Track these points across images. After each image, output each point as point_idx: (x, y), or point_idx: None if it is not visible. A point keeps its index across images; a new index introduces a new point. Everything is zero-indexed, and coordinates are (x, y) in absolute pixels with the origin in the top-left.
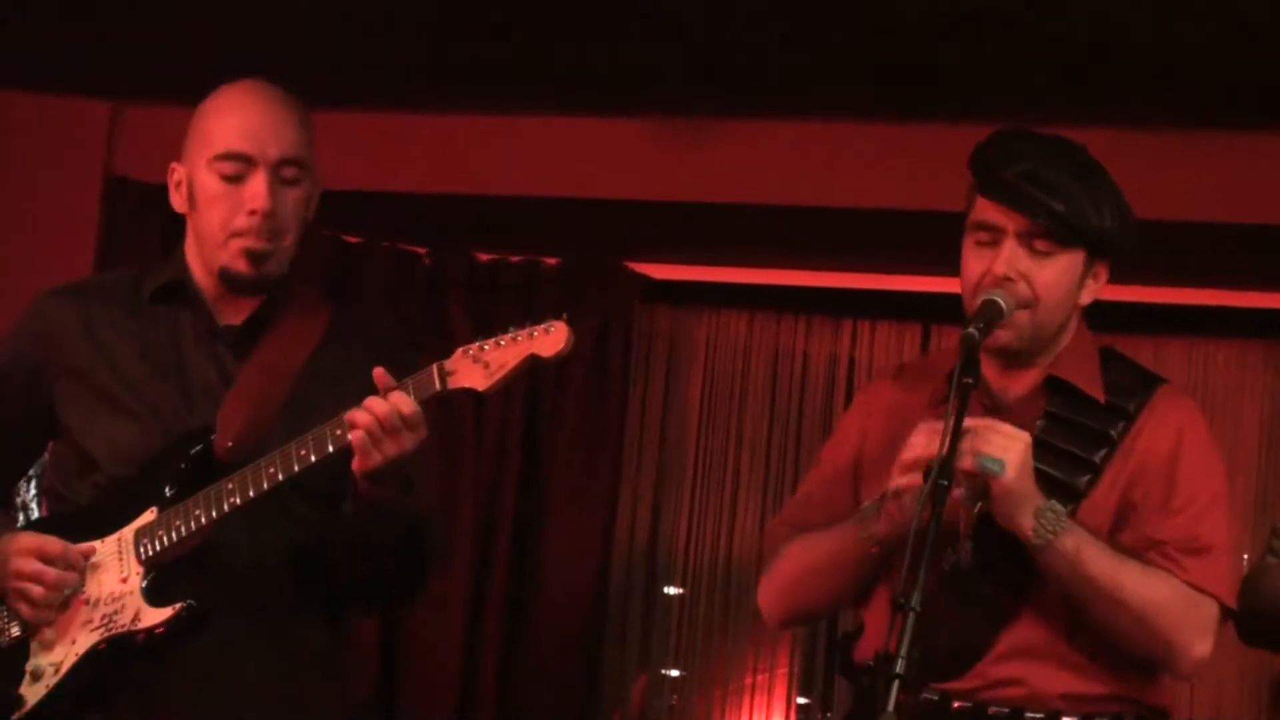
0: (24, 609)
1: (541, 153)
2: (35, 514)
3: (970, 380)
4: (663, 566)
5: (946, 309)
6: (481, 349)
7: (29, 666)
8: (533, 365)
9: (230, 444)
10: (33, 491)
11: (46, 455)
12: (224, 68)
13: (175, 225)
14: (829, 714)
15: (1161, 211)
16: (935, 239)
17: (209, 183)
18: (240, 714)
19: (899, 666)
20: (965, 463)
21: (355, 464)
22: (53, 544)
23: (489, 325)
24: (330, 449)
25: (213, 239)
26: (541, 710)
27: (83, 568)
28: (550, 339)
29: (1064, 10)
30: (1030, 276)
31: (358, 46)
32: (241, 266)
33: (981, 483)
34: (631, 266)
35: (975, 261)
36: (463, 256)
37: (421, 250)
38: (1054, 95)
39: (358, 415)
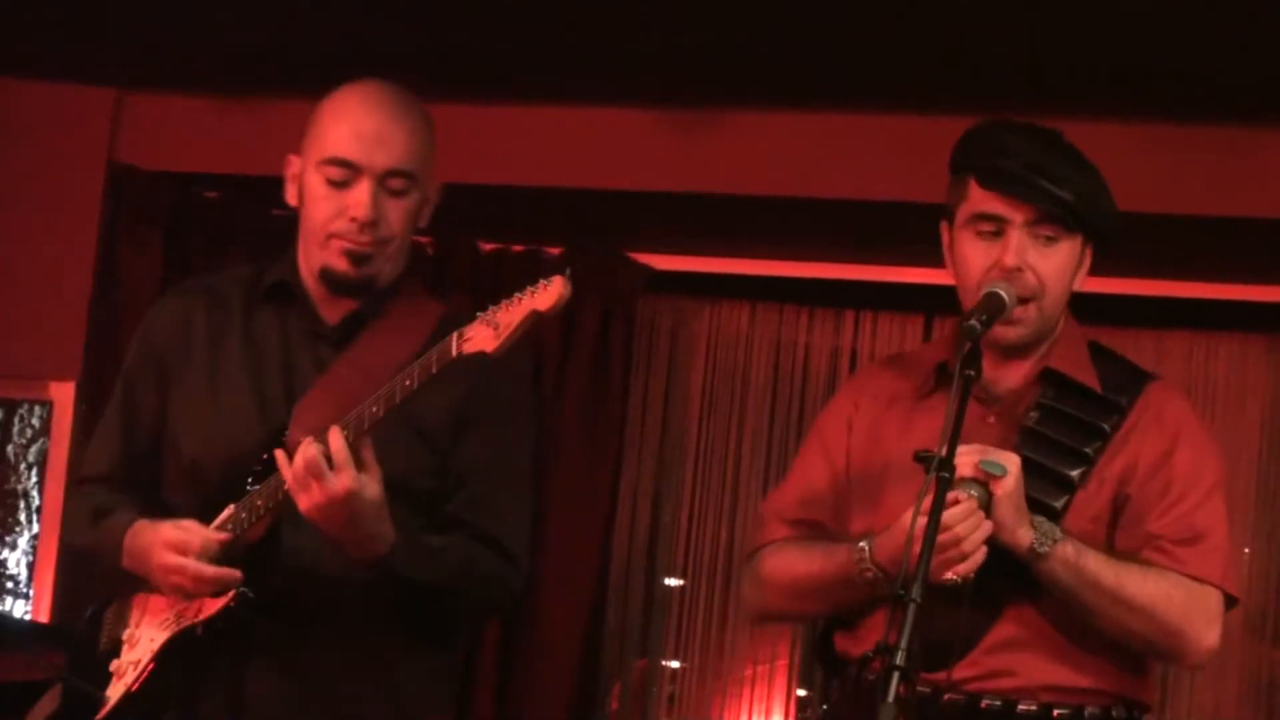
0: (179, 596)
1: (545, 142)
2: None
3: (972, 373)
4: (663, 558)
5: (949, 300)
6: (495, 312)
7: (113, 666)
8: (535, 321)
9: (302, 439)
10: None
11: None
12: (228, 55)
13: (179, 212)
14: (824, 706)
15: (1164, 205)
16: (937, 231)
17: (316, 184)
18: (326, 715)
19: (899, 658)
20: (966, 469)
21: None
22: (194, 537)
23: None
24: (366, 425)
25: (314, 237)
26: (541, 700)
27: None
28: (547, 293)
29: (1067, 3)
30: (1036, 266)
31: (359, 36)
32: (342, 265)
33: (983, 493)
34: (634, 257)
35: (978, 253)
36: (466, 246)
37: (424, 240)
38: (1056, 88)
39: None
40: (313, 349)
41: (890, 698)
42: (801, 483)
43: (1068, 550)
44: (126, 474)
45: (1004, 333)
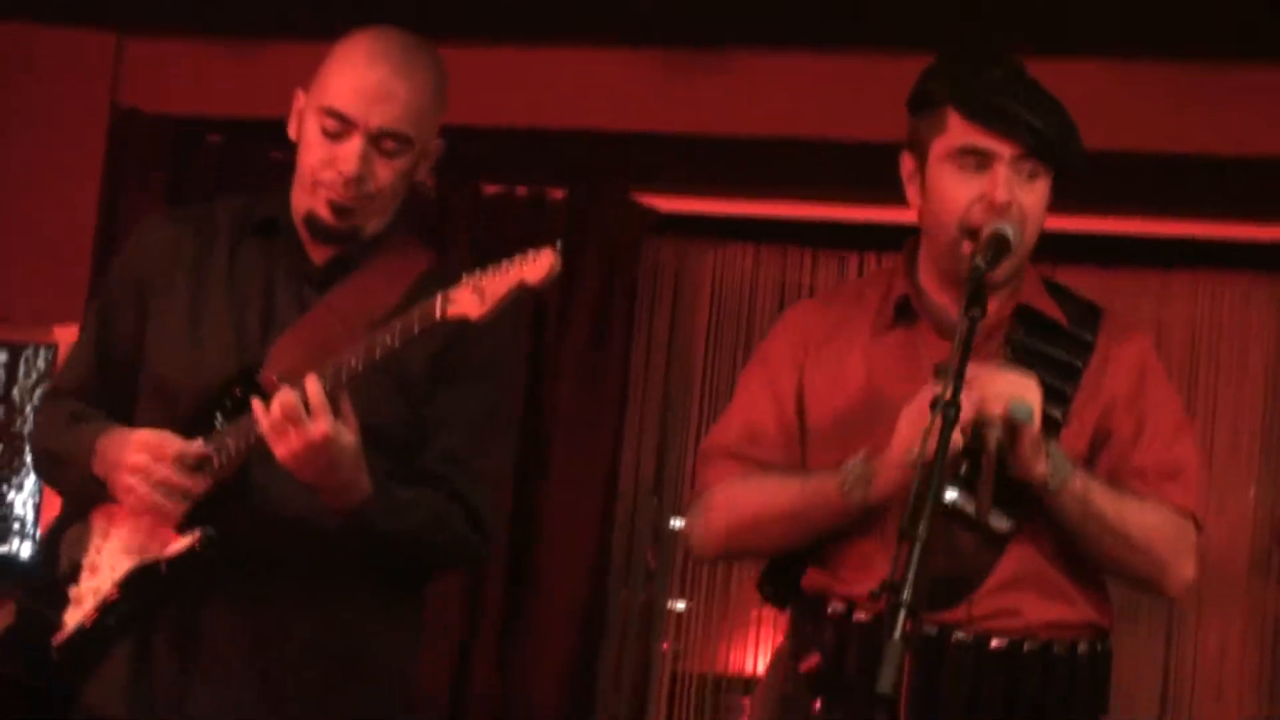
0: (130, 500)
1: (549, 84)
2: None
3: (977, 313)
4: (669, 500)
5: None
6: (481, 277)
7: (72, 592)
8: (522, 292)
9: (276, 379)
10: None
11: None
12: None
13: (181, 156)
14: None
15: (1168, 144)
16: None
17: (312, 129)
18: (285, 661)
19: (906, 595)
20: (996, 408)
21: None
22: (170, 443)
23: (494, 257)
24: (344, 378)
25: (302, 180)
26: (547, 644)
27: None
28: (536, 265)
29: None
30: (1021, 202)
31: None
32: (324, 213)
33: (1003, 431)
34: (638, 199)
35: (962, 188)
36: (469, 188)
37: (428, 182)
38: (1062, 25)
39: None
40: (296, 288)
41: (897, 635)
42: (748, 421)
43: (1077, 484)
44: (98, 391)
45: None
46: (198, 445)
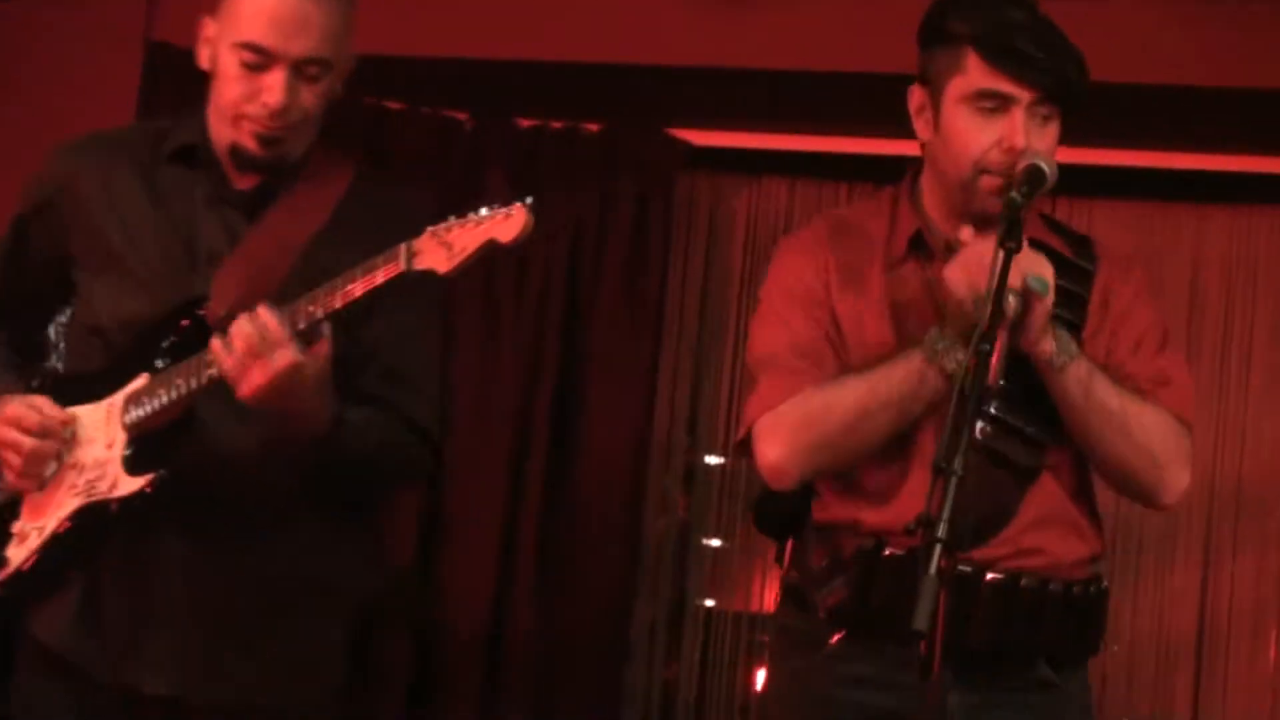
0: (7, 475)
1: (584, 17)
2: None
3: (1013, 245)
4: (703, 436)
5: None
6: (448, 229)
7: (15, 528)
8: (493, 250)
9: (223, 313)
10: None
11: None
12: None
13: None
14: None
15: (1205, 78)
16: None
17: (230, 63)
18: (230, 594)
19: (941, 531)
20: (1015, 279)
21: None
22: (31, 417)
23: (529, 192)
24: (302, 325)
25: (224, 114)
26: (581, 578)
27: (63, 438)
28: (509, 223)
29: None
30: (1034, 145)
31: None
32: (251, 146)
33: (1020, 303)
34: (673, 133)
35: (979, 130)
36: (504, 122)
37: (462, 116)
38: None
39: (220, 347)
40: (222, 214)
41: (932, 570)
42: (795, 341)
43: (1081, 369)
44: (6, 313)
45: (998, 204)
46: (61, 413)
